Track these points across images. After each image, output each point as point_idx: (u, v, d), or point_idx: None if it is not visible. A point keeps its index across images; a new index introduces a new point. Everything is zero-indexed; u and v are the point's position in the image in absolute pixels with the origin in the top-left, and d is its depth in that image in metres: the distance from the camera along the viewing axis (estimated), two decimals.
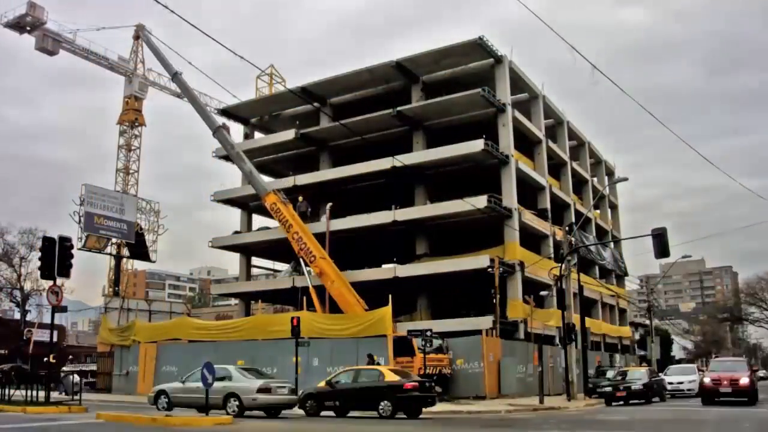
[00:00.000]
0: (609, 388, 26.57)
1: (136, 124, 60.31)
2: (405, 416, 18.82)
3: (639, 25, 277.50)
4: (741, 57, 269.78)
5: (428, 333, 24.80)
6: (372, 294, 33.50)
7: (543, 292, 38.67)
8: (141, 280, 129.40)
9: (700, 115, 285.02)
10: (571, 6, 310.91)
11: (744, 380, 23.58)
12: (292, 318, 25.52)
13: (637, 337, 61.29)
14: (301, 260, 36.70)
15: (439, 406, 22.51)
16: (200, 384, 17.32)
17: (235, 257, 49.02)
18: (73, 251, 21.78)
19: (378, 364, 24.01)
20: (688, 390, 31.58)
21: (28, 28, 52.53)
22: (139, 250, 48.26)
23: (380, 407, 18.55)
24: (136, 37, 58.80)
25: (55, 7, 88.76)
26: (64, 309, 25.92)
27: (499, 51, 38.48)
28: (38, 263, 22.94)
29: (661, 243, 22.59)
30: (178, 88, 43.96)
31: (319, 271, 35.05)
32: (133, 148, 60.32)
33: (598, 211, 55.17)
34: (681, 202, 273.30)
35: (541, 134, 42.88)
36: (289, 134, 43.28)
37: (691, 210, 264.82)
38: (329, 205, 38.54)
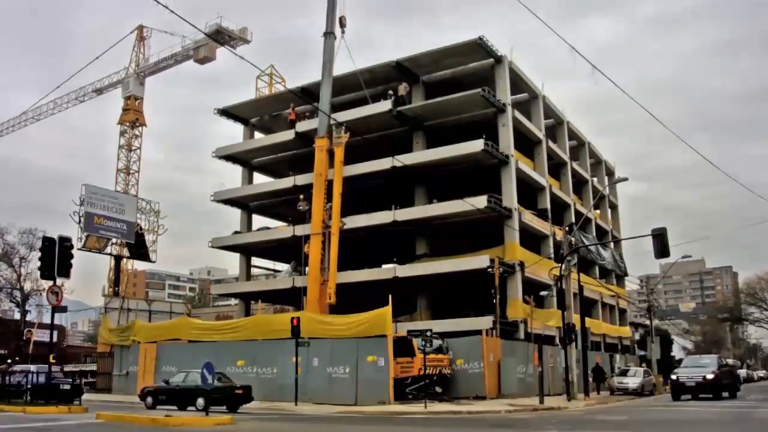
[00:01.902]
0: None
1: (137, 124, 60.33)
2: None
3: None
4: None
5: (428, 333, 24.75)
6: (372, 294, 33.48)
7: (543, 292, 38.63)
8: (141, 280, 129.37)
9: None
10: None
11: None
12: (292, 318, 25.49)
13: (637, 337, 61.21)
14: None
15: (440, 406, 22.58)
16: None
17: (235, 257, 49.04)
18: (73, 251, 21.77)
19: None
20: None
21: None
22: (139, 250, 48.19)
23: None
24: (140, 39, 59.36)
25: None
26: (64, 309, 26.00)
27: (499, 51, 38.50)
28: (38, 263, 22.93)
29: (661, 243, 22.56)
30: None
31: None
32: (133, 148, 60.36)
33: (598, 211, 55.15)
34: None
35: (541, 134, 42.87)
36: (289, 134, 43.28)
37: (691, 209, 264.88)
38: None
